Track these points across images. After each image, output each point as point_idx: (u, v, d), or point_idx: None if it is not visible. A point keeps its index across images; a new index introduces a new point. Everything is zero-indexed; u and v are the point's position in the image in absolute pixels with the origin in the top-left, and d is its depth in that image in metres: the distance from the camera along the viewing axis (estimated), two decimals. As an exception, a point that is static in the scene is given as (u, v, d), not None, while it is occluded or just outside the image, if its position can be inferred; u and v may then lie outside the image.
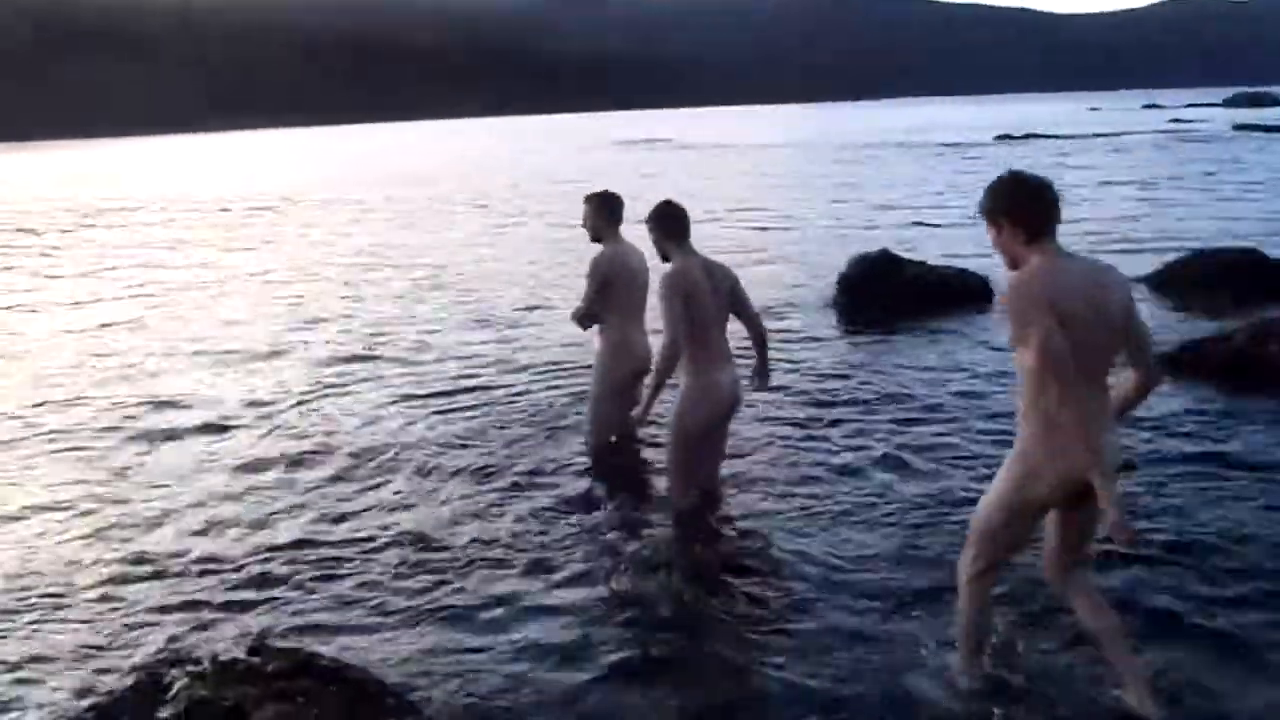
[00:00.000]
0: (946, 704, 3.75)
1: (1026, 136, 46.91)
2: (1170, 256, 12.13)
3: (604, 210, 6.21)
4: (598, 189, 6.42)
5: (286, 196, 30.74)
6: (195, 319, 11.95)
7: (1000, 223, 3.41)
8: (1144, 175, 26.79)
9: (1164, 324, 9.82)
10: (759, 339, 5.35)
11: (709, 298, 5.07)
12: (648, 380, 5.48)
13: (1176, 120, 61.21)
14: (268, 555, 5.22)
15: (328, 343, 10.33)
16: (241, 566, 5.11)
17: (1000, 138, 47.10)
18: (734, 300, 5.22)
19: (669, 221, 5.21)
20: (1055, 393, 3.20)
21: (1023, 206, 3.37)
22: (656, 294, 5.12)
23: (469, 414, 7.56)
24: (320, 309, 12.25)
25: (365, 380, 8.72)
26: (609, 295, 6.09)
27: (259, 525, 5.63)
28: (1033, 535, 3.67)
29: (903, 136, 52.93)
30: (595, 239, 6.25)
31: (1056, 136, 46.58)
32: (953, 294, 11.00)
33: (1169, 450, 6.24)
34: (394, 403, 7.96)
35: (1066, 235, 3.42)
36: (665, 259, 5.25)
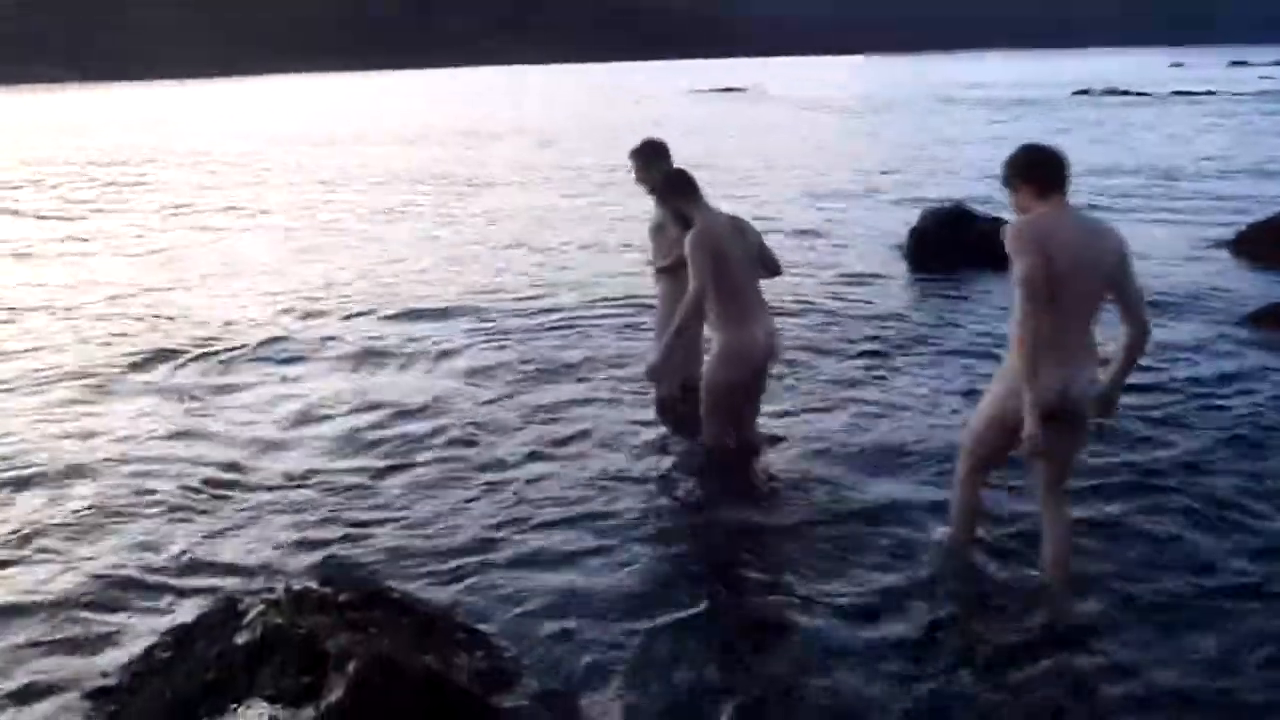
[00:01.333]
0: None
1: (1105, 92, 45.47)
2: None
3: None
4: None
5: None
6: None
7: (1017, 185, 3.94)
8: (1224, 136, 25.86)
9: (1243, 279, 9.68)
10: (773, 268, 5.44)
11: (739, 252, 5.14)
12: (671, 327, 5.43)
13: (1267, 78, 58.79)
14: (341, 491, 5.31)
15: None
16: (315, 501, 5.20)
17: (1078, 93, 45.78)
18: (762, 256, 5.33)
19: (680, 186, 5.31)
20: (1035, 322, 3.66)
21: (1032, 170, 3.91)
22: (684, 250, 5.16)
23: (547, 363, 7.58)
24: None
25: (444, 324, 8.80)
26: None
27: (332, 461, 5.73)
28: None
29: (980, 92, 51.57)
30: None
31: (1139, 94, 45.04)
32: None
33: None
34: (476, 345, 8.04)
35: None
36: (687, 224, 5.26)
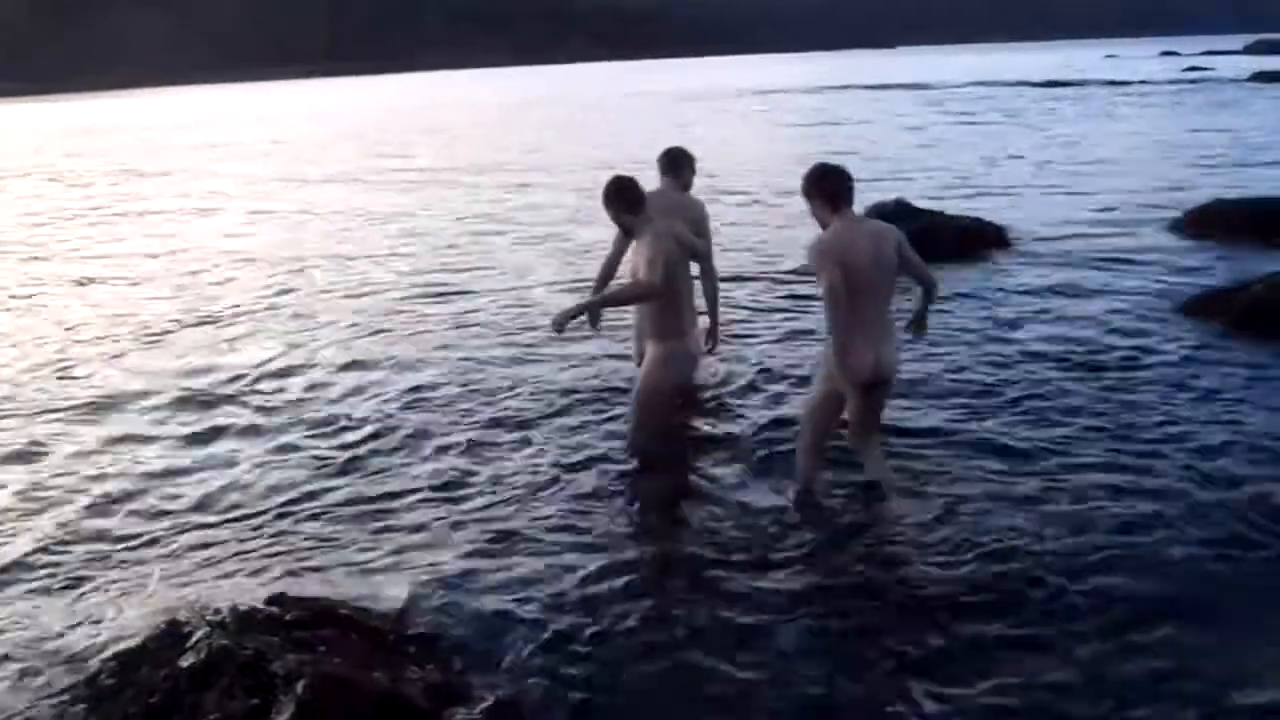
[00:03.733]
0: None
1: (1046, 83, 46.33)
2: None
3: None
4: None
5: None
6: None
7: (813, 196, 4.73)
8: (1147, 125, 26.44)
9: (1183, 265, 9.89)
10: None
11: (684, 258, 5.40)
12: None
13: (1194, 69, 60.16)
14: (286, 509, 5.26)
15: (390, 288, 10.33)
16: (261, 521, 5.14)
17: (1018, 83, 46.65)
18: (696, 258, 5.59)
19: (627, 194, 5.37)
20: (843, 318, 4.59)
21: (824, 186, 4.71)
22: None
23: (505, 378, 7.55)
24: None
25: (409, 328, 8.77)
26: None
27: (278, 480, 5.67)
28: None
29: (921, 86, 52.19)
30: None
31: (1074, 83, 45.90)
32: (971, 241, 10.97)
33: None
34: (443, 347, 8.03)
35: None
36: (628, 232, 5.43)
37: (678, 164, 6.44)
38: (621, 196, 5.37)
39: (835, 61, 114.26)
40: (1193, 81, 45.47)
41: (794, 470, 5.19)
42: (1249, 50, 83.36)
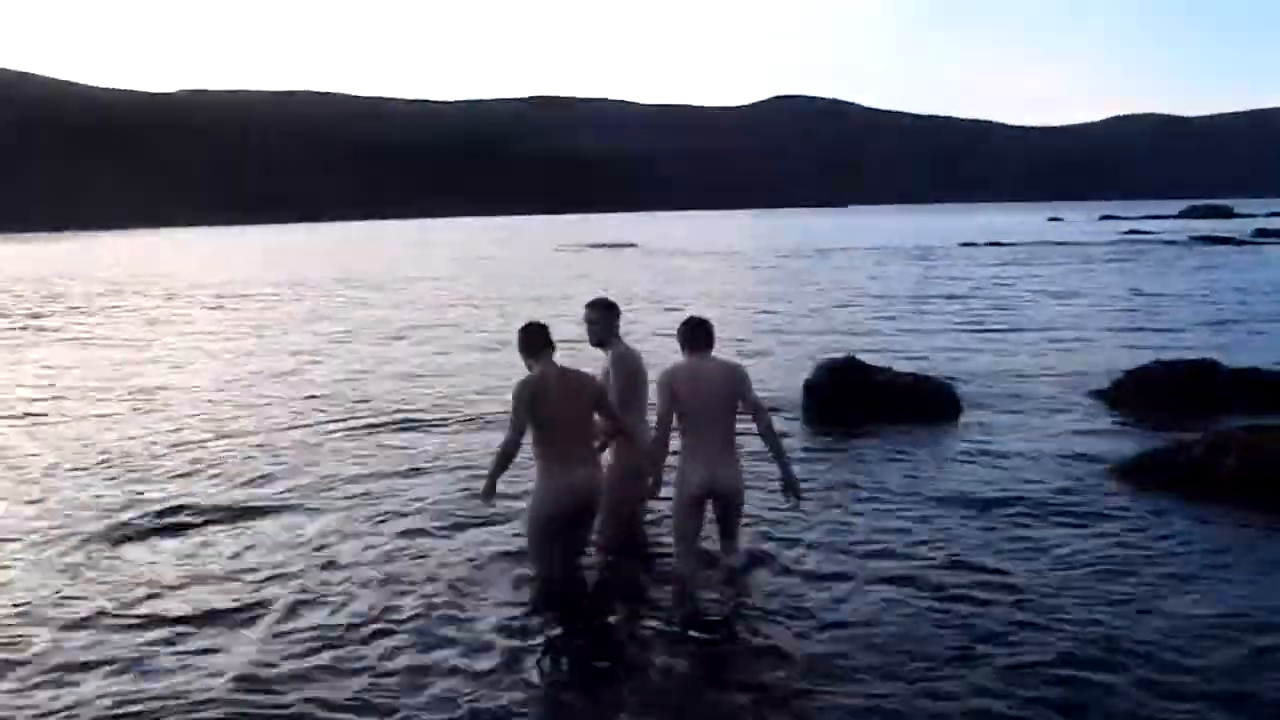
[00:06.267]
0: None
1: (990, 244, 48.06)
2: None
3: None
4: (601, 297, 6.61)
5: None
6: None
7: (681, 342, 5.96)
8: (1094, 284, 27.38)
9: (1118, 432, 9.99)
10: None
11: (562, 401, 5.74)
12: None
13: (1133, 231, 62.86)
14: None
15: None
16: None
17: (964, 244, 48.33)
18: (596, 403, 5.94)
19: (528, 338, 5.95)
20: (686, 439, 5.74)
21: (681, 332, 5.97)
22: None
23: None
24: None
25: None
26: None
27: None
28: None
29: (874, 242, 53.99)
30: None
31: (1015, 244, 47.67)
32: (919, 403, 10.95)
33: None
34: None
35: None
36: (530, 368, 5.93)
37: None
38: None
39: (787, 219, 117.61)
40: (1132, 243, 47.36)
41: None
42: (1182, 215, 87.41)
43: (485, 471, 5.94)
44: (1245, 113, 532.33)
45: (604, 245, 63.58)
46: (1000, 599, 5.70)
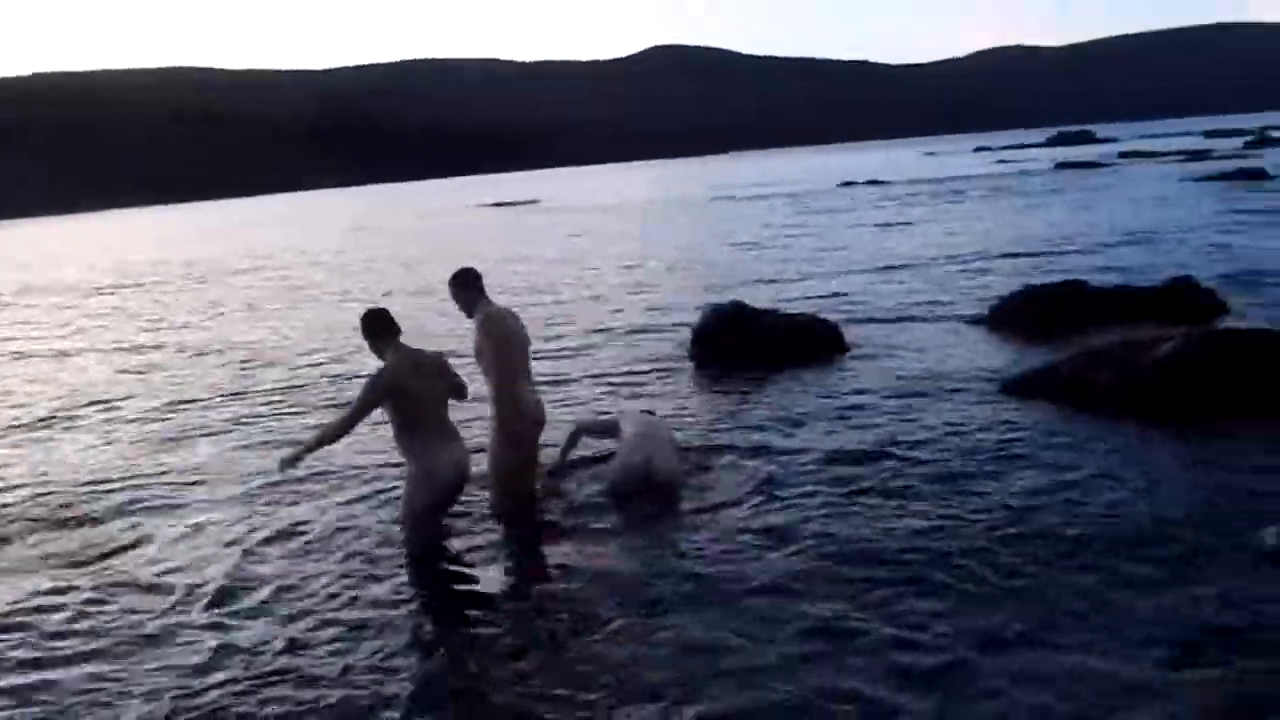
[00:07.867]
0: None
1: (869, 183, 48.97)
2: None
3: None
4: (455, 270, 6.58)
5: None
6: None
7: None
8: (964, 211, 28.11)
9: (998, 354, 10.35)
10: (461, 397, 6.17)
11: (429, 379, 5.88)
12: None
13: (1003, 161, 64.79)
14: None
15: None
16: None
17: (843, 184, 49.15)
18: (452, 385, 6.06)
19: (375, 323, 5.92)
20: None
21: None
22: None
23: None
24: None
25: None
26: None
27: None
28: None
29: (753, 189, 54.45)
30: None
31: (893, 182, 48.67)
32: (807, 342, 11.10)
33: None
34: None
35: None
36: (381, 357, 5.93)
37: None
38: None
39: (674, 168, 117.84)
40: (1001, 175, 48.79)
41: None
42: (1050, 143, 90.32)
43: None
44: (1099, 40, 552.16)
45: (507, 204, 63.18)
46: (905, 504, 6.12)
